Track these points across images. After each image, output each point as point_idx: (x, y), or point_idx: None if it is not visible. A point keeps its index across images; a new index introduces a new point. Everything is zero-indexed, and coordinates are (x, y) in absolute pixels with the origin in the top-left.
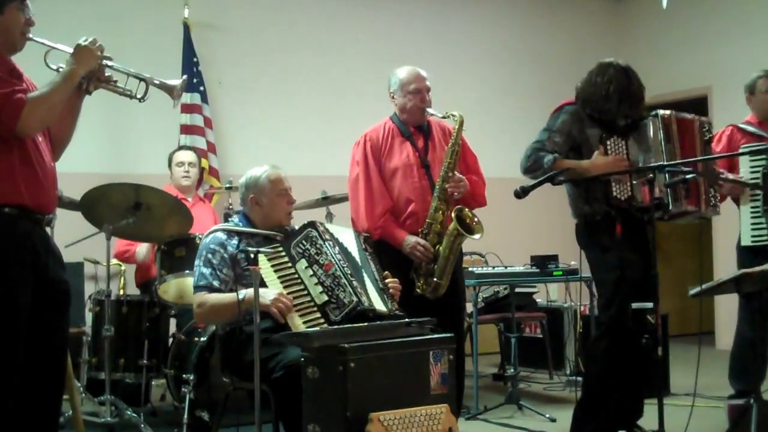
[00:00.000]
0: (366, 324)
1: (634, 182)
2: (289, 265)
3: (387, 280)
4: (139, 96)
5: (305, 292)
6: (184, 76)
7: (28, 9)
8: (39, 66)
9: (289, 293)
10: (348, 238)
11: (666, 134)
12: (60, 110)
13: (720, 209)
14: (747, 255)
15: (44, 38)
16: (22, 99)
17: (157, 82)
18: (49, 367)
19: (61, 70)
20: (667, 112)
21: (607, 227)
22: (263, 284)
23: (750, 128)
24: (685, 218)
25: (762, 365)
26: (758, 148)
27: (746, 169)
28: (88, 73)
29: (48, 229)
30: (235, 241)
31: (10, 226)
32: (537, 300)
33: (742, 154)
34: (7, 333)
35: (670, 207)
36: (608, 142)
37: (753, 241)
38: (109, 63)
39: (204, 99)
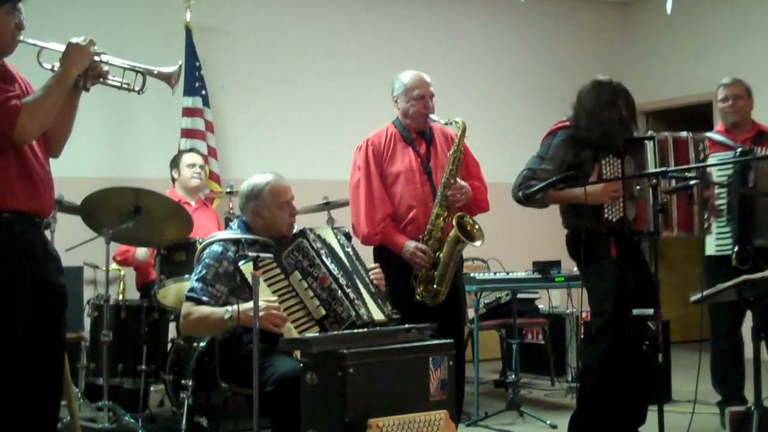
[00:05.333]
0: (365, 330)
1: (630, 202)
2: (282, 277)
3: (371, 273)
4: (137, 88)
5: (302, 306)
6: (180, 62)
7: (20, 13)
8: (34, 65)
9: (285, 309)
10: (331, 240)
11: (661, 155)
12: (56, 113)
13: (711, 228)
14: (713, 265)
15: (44, 42)
16: (17, 105)
17: (154, 72)
18: (47, 372)
19: (55, 69)
20: (664, 134)
21: (596, 238)
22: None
23: (718, 137)
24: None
25: (739, 370)
26: (724, 160)
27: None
28: (83, 70)
29: (47, 233)
30: (231, 254)
31: (9, 231)
32: (539, 306)
33: (711, 165)
34: (3, 338)
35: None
36: (603, 162)
37: (717, 251)
38: (103, 58)
39: (206, 103)
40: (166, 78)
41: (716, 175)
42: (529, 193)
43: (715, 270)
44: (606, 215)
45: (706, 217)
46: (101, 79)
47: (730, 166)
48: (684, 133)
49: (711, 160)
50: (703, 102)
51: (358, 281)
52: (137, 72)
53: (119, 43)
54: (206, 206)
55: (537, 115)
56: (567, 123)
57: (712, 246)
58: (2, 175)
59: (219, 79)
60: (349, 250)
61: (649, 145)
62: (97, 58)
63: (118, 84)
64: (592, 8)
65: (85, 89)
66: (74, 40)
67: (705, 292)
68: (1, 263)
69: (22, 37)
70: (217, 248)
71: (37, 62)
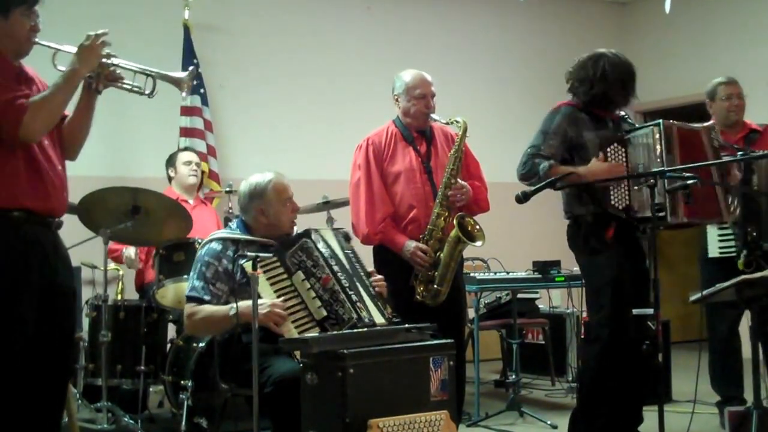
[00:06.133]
0: (365, 329)
1: (635, 188)
2: (285, 276)
3: (372, 279)
4: (147, 92)
5: (303, 306)
6: (191, 67)
7: (35, 15)
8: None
9: (286, 308)
10: (333, 241)
11: (667, 143)
12: (62, 112)
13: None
14: (713, 267)
15: (59, 44)
16: (24, 105)
17: (165, 75)
18: (53, 371)
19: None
20: (670, 121)
21: (599, 230)
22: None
23: None
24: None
25: (738, 371)
26: (725, 159)
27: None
28: (94, 72)
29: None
30: (230, 252)
31: (18, 230)
32: (539, 306)
33: (713, 164)
34: (7, 336)
35: (668, 217)
36: (609, 149)
37: (720, 253)
38: (114, 61)
39: (204, 102)
40: (176, 82)
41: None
42: (529, 192)
43: (713, 270)
44: (612, 201)
45: (731, 201)
46: (113, 82)
47: None
48: (696, 126)
49: None
50: (701, 101)
51: (358, 284)
52: (147, 75)
53: (117, 41)
54: (205, 204)
55: (537, 114)
56: (570, 102)
57: (715, 248)
58: (11, 174)
59: (217, 77)
60: (349, 251)
61: (653, 132)
62: (106, 60)
63: (129, 87)
64: (591, 8)
65: (97, 91)
66: (85, 41)
67: (704, 292)
68: (8, 262)
69: (37, 40)
70: (216, 246)
71: (53, 64)
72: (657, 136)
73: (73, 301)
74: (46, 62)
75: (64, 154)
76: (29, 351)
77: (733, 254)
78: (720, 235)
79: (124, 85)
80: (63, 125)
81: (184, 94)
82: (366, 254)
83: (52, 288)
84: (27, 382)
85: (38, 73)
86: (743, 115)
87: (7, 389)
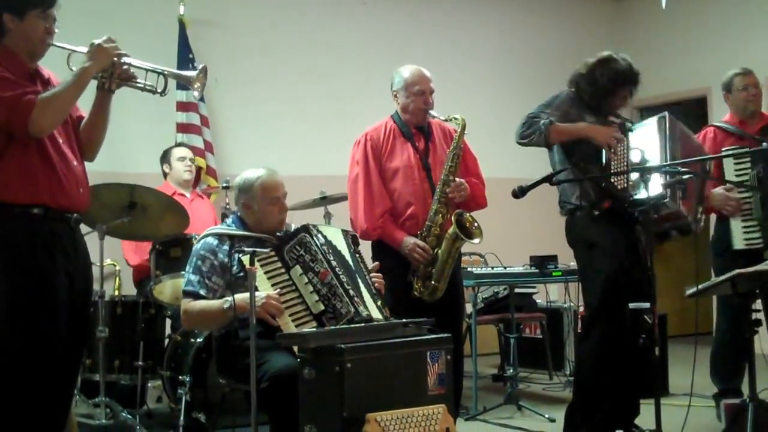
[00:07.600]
0: (363, 324)
1: (631, 182)
2: (283, 271)
3: (371, 275)
4: (159, 90)
5: (300, 300)
6: (203, 65)
7: (51, 18)
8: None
9: (284, 302)
10: (338, 239)
11: (672, 134)
12: (71, 108)
13: (702, 223)
14: (737, 258)
15: (73, 46)
16: (32, 100)
17: (177, 74)
18: (68, 366)
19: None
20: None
21: (595, 222)
22: (256, 290)
23: (731, 128)
24: (671, 229)
25: (740, 364)
26: (743, 150)
27: (731, 172)
28: (107, 72)
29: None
30: (226, 247)
31: (38, 227)
32: (536, 300)
33: (727, 156)
34: (45, 331)
35: (667, 202)
36: None
37: (746, 245)
38: (127, 60)
39: (200, 97)
40: (187, 80)
41: (734, 169)
42: (525, 187)
43: (739, 262)
44: (612, 180)
45: (700, 211)
46: (126, 81)
47: (748, 160)
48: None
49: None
50: (697, 97)
51: (359, 281)
52: (159, 74)
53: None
54: (201, 198)
55: (532, 109)
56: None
57: (739, 240)
58: (28, 171)
59: (213, 72)
60: (356, 254)
61: (659, 123)
62: (119, 60)
63: (142, 86)
64: (587, 4)
65: (110, 91)
66: (97, 41)
67: (700, 286)
68: (33, 258)
69: (52, 41)
70: (212, 240)
71: (67, 66)
72: (661, 128)
73: (90, 294)
74: (63, 64)
75: (83, 154)
76: (50, 347)
77: (759, 245)
78: (744, 227)
79: (137, 84)
80: (80, 126)
81: (196, 93)
82: (364, 250)
83: (73, 283)
84: (42, 377)
85: (57, 75)
86: (761, 105)
87: (24, 384)
